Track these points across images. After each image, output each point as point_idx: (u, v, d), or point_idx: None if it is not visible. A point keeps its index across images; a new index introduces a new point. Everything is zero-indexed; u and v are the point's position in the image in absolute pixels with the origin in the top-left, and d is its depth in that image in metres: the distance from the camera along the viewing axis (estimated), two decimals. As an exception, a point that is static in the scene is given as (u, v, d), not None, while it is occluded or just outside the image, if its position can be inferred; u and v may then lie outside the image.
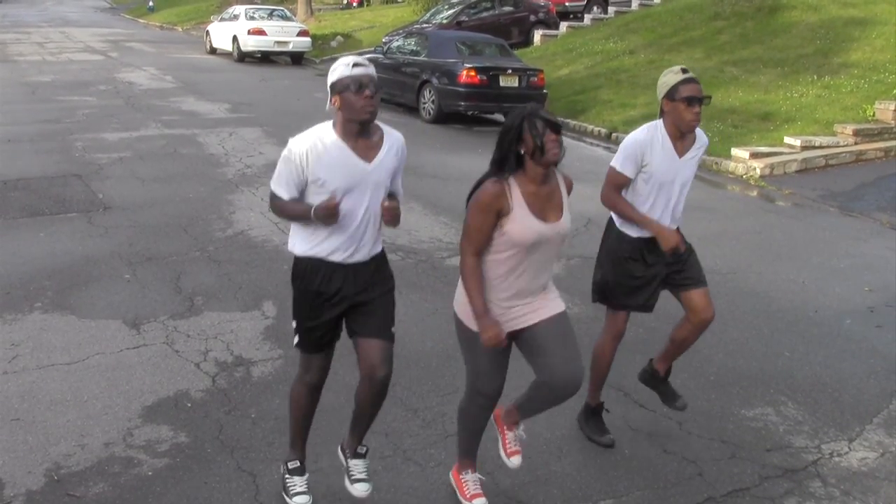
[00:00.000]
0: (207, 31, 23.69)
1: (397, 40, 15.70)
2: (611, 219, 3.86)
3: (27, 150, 9.54)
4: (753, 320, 5.54)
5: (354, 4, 33.63)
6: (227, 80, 17.35)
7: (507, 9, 20.04)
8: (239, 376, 4.41)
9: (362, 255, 3.10)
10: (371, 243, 3.12)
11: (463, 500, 3.36)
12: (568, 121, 12.91)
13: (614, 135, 12.09)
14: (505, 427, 3.41)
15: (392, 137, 3.12)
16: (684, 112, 3.54)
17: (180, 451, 3.69)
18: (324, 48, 23.01)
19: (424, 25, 18.83)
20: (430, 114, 13.03)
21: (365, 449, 3.31)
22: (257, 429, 3.90)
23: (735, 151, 10.40)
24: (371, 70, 2.98)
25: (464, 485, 3.38)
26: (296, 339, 3.25)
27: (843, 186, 9.63)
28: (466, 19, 19.00)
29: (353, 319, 3.15)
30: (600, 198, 3.77)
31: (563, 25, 19.91)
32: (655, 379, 4.06)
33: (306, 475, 3.35)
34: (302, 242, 3.14)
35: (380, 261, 3.19)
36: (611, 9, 21.17)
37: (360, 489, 3.23)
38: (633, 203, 3.69)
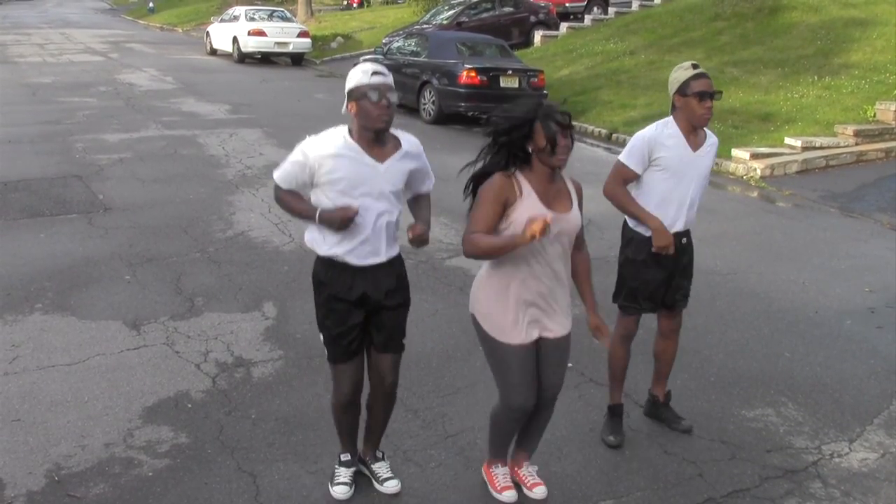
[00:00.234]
0: (208, 33, 23.70)
1: (397, 41, 15.71)
2: (625, 221, 3.88)
3: (27, 152, 9.55)
4: (754, 321, 5.54)
5: (354, 5, 33.66)
6: (228, 81, 17.36)
7: (508, 9, 20.03)
8: (239, 377, 4.41)
9: (379, 258, 3.14)
10: (386, 247, 3.15)
11: (494, 493, 3.43)
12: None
13: (615, 135, 12.09)
14: (517, 469, 3.51)
15: (406, 142, 3.16)
16: (696, 107, 3.60)
17: (181, 451, 3.69)
18: (324, 49, 23.02)
19: (425, 26, 18.83)
20: (430, 114, 13.03)
21: (381, 453, 3.52)
22: (257, 429, 3.90)
23: (735, 152, 10.40)
24: (389, 79, 3.03)
25: (494, 478, 3.46)
26: (327, 354, 3.28)
27: (844, 187, 9.63)
28: (466, 20, 19.00)
29: (369, 330, 3.24)
30: (603, 190, 3.77)
31: (564, 26, 19.91)
32: (657, 406, 4.15)
33: (353, 468, 3.45)
34: (321, 244, 3.16)
35: (399, 269, 3.25)
36: (611, 9, 21.18)
37: (391, 485, 3.43)
38: (650, 195, 3.71)
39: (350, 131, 3.07)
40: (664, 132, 3.68)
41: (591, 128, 12.66)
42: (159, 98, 14.19)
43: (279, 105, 13.99)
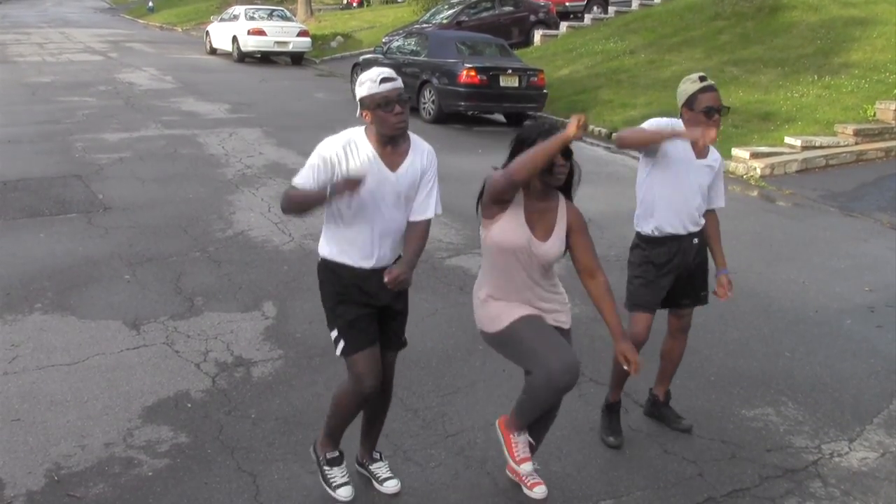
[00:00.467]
0: (207, 32, 23.69)
1: (397, 40, 15.71)
2: (637, 234, 3.90)
3: (27, 151, 9.55)
4: (754, 320, 5.54)
5: (354, 5, 33.64)
6: (227, 80, 17.35)
7: (508, 9, 20.03)
8: (239, 377, 4.41)
9: (385, 262, 3.13)
10: (391, 252, 3.16)
11: (510, 461, 3.31)
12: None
13: (614, 135, 12.07)
14: (510, 432, 3.44)
15: (418, 149, 3.15)
16: (703, 122, 3.60)
17: (180, 451, 3.69)
18: (324, 48, 23.02)
19: (424, 25, 18.83)
20: (430, 114, 13.02)
21: (379, 453, 3.51)
22: (257, 429, 3.90)
23: (735, 151, 10.40)
24: (398, 83, 3.03)
25: (514, 446, 3.31)
26: (339, 348, 3.17)
27: (844, 186, 9.63)
28: (466, 19, 18.99)
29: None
30: (618, 140, 3.64)
31: (564, 25, 19.90)
32: (657, 406, 4.15)
33: (344, 464, 3.39)
34: (328, 246, 3.17)
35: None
36: (611, 9, 21.16)
37: (391, 485, 3.42)
38: (651, 188, 3.73)
39: (367, 131, 3.08)
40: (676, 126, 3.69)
41: (591, 127, 12.65)
42: (159, 97, 14.18)
43: (279, 104, 13.99)
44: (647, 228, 3.80)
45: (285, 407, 4.11)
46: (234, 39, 21.25)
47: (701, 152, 3.74)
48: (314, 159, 3.04)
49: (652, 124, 3.65)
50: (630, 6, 20.78)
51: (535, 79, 12.78)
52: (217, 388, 4.28)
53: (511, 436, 3.33)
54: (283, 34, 21.11)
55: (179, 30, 32.36)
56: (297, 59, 21.57)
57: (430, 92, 13.01)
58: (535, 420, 3.33)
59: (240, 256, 6.27)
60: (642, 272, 3.83)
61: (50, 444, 3.68)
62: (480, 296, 3.25)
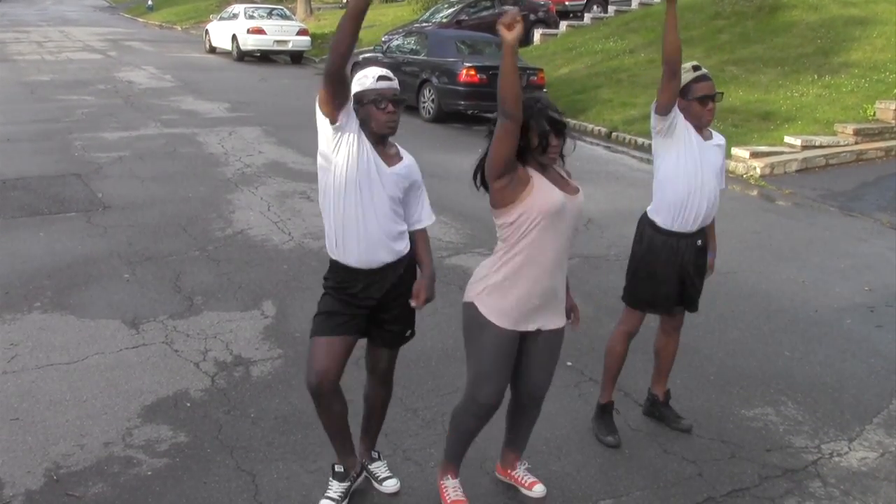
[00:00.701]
0: (207, 30, 23.67)
1: (397, 39, 15.70)
2: (640, 220, 3.88)
3: (26, 150, 9.54)
4: (753, 320, 5.54)
5: (354, 3, 33.56)
6: (227, 79, 17.34)
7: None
8: (238, 376, 4.41)
9: (376, 263, 3.09)
10: (386, 252, 3.09)
11: None
12: (568, 120, 12.90)
13: (614, 134, 12.08)
14: (510, 471, 3.48)
15: (407, 157, 3.17)
16: (698, 110, 3.68)
17: (179, 450, 3.69)
18: (323, 47, 22.96)
19: (424, 24, 18.83)
20: (429, 113, 13.02)
21: (377, 453, 3.50)
22: (257, 428, 3.89)
23: (735, 151, 10.39)
24: (395, 84, 3.04)
25: (444, 490, 3.34)
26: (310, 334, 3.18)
27: (844, 186, 9.63)
28: (466, 18, 18.99)
29: (370, 329, 3.23)
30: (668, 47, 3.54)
31: (563, 24, 19.89)
32: (656, 405, 4.15)
33: (347, 483, 3.32)
34: (327, 241, 3.18)
35: (403, 274, 3.18)
36: (611, 8, 21.14)
37: (390, 484, 3.43)
38: (671, 183, 3.71)
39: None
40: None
41: (590, 126, 12.65)
42: (158, 96, 14.17)
43: (278, 103, 13.98)
44: (664, 219, 3.76)
45: (284, 406, 4.11)
46: (234, 38, 21.24)
47: (705, 137, 3.77)
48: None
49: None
50: (630, 5, 20.76)
51: (535, 78, 12.77)
52: (216, 387, 4.27)
53: (441, 480, 3.37)
54: (283, 33, 21.10)
55: (179, 28, 32.33)
56: (296, 57, 21.56)
57: (429, 91, 13.01)
58: (510, 432, 3.40)
59: (239, 255, 6.27)
60: (646, 264, 3.82)
61: (49, 444, 3.68)
62: (497, 277, 3.08)
